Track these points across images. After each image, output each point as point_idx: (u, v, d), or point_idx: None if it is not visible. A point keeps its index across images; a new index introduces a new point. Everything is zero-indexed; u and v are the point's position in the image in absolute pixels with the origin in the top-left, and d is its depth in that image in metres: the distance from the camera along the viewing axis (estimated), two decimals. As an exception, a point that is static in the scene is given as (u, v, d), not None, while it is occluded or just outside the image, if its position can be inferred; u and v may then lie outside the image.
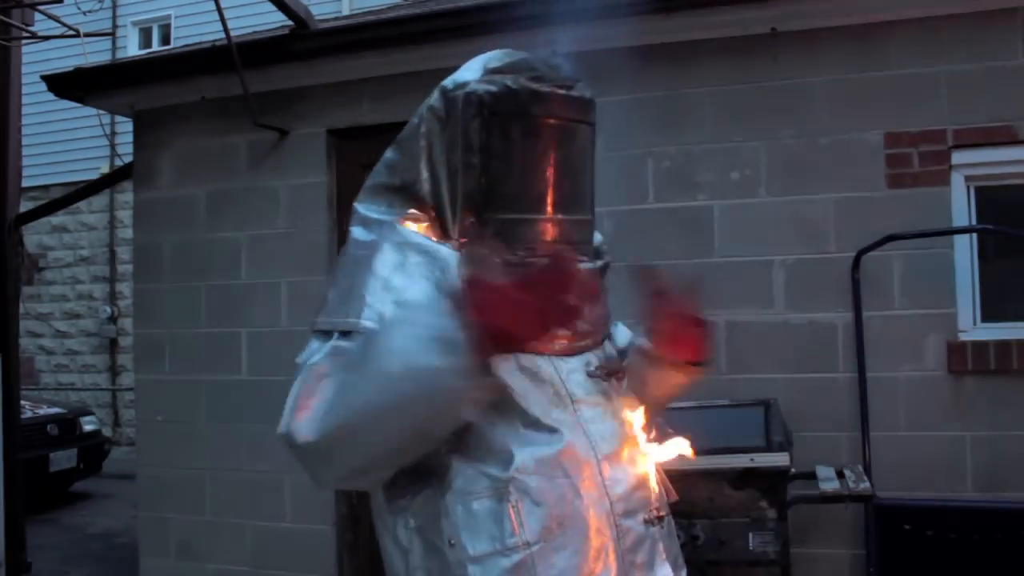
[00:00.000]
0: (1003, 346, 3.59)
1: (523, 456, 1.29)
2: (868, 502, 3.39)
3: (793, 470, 3.30)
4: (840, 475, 3.41)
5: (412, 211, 1.42)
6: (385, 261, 1.35)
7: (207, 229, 4.73)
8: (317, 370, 1.26)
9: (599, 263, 1.51)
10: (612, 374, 1.47)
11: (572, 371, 1.41)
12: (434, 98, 1.44)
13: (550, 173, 1.41)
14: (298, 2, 4.31)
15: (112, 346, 11.60)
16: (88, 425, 8.65)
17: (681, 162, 3.98)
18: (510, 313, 1.14)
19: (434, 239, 1.39)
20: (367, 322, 1.28)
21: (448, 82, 1.44)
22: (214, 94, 4.68)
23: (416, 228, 1.40)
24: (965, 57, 3.67)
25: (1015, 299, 3.75)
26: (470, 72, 1.43)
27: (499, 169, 1.38)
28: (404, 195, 1.43)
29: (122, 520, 7.29)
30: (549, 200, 1.41)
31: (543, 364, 1.37)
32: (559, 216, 1.42)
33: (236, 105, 4.45)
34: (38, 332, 11.71)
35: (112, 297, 11.60)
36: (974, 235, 3.73)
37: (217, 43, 4.63)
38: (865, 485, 3.30)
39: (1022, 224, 3.72)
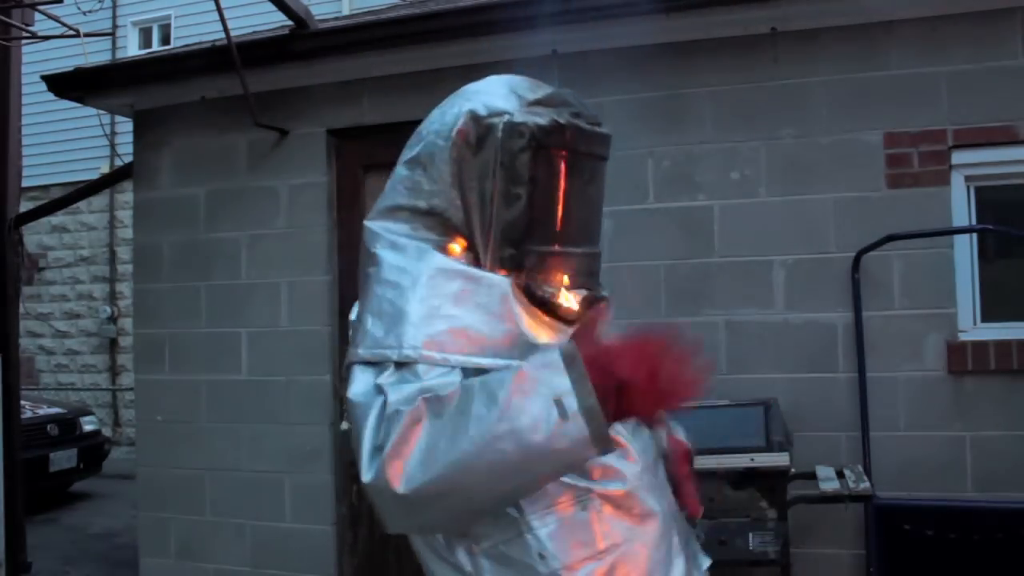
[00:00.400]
0: (1003, 346, 3.59)
1: (600, 462, 1.30)
2: (868, 502, 3.39)
3: (793, 470, 3.30)
4: (840, 475, 3.41)
5: (442, 238, 1.38)
6: (434, 287, 1.30)
7: (207, 229, 4.73)
8: (411, 414, 1.18)
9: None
10: None
11: None
12: (463, 122, 1.39)
13: (586, 208, 1.45)
14: (298, 2, 4.31)
15: (112, 346, 11.60)
16: (88, 425, 8.65)
17: (681, 162, 3.98)
18: (651, 379, 1.18)
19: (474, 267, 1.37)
20: (428, 352, 1.25)
21: (479, 107, 1.40)
22: (214, 94, 4.68)
23: (454, 256, 1.38)
24: (965, 57, 3.67)
25: (1015, 299, 3.75)
26: (501, 100, 1.40)
27: (544, 202, 1.37)
28: (432, 220, 1.38)
29: (122, 520, 7.29)
30: (585, 234, 1.45)
31: None
32: (591, 250, 1.46)
33: (236, 105, 4.45)
34: (38, 332, 11.71)
35: (112, 297, 11.60)
36: (974, 235, 3.73)
37: (217, 43, 4.63)
38: (865, 485, 3.30)
39: (1022, 224, 3.72)
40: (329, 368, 4.42)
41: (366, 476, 1.18)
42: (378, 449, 1.18)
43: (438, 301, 1.29)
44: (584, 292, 1.41)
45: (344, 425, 4.37)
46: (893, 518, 3.41)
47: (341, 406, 4.41)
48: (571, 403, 1.15)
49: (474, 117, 1.38)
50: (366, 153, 4.44)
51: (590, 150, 1.44)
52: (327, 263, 4.48)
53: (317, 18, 4.66)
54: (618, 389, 1.18)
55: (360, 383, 1.26)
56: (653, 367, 1.19)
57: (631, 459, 1.36)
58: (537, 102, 1.40)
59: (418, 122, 1.51)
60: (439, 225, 1.38)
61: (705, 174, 3.95)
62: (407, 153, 1.45)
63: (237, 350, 4.62)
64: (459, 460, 1.15)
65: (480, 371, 1.26)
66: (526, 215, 1.36)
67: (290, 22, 4.45)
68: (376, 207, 1.45)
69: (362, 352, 1.29)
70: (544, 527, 1.27)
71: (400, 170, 1.44)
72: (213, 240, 4.70)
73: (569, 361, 1.17)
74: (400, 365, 1.25)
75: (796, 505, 3.37)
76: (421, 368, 1.24)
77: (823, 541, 3.68)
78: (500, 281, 1.34)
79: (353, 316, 1.46)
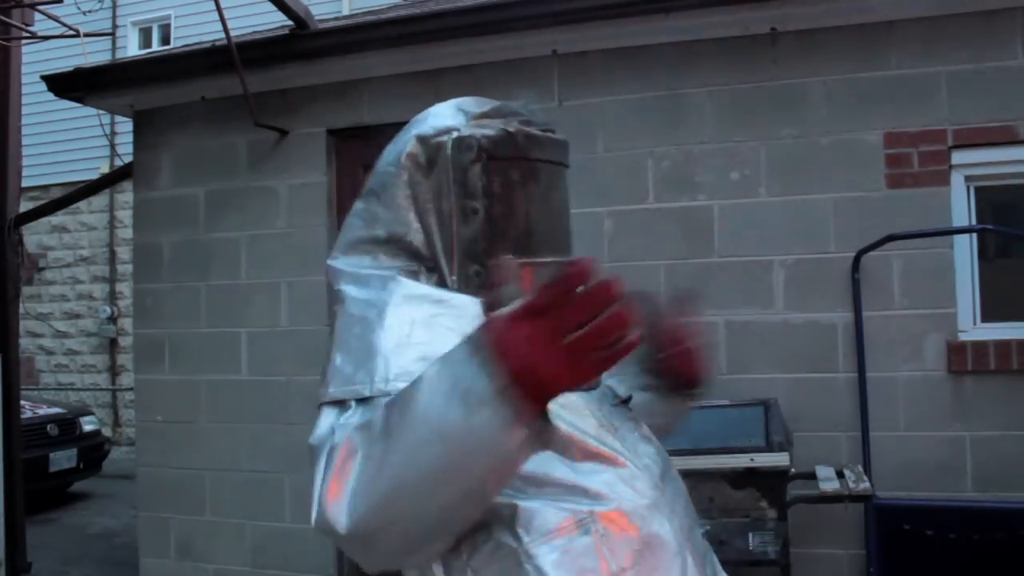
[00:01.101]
0: (1003, 346, 3.59)
1: (598, 485, 1.25)
2: (868, 502, 3.39)
3: (793, 470, 3.30)
4: (840, 475, 3.41)
5: (407, 264, 1.34)
6: (400, 316, 1.25)
7: (207, 229, 4.73)
8: (344, 448, 1.10)
9: None
10: (625, 402, 1.47)
11: (600, 399, 1.39)
12: (411, 145, 1.37)
13: (548, 215, 1.40)
14: (298, 2, 4.31)
15: (112, 346, 11.61)
16: (88, 425, 8.65)
17: (681, 162, 3.98)
18: (542, 348, 0.97)
19: (441, 289, 1.32)
20: (401, 385, 1.13)
21: (425, 128, 1.37)
22: (214, 94, 4.68)
23: (418, 281, 1.32)
24: (965, 57, 3.67)
25: (1015, 299, 3.75)
26: (447, 118, 1.38)
27: (502, 213, 1.34)
28: (393, 248, 1.35)
29: (122, 520, 7.29)
30: (553, 244, 1.40)
31: (575, 397, 1.32)
32: (560, 259, 1.39)
33: (236, 105, 4.45)
34: (38, 332, 11.71)
35: (112, 297, 11.61)
36: (974, 235, 3.73)
37: (217, 43, 4.63)
38: (865, 485, 3.30)
39: (1022, 224, 3.73)
40: (329, 368, 4.42)
41: (312, 519, 1.10)
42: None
43: (407, 329, 1.23)
44: None
45: None
46: (893, 518, 3.41)
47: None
48: (481, 389, 0.99)
49: (421, 139, 1.36)
50: (366, 153, 4.40)
51: (545, 156, 1.40)
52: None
53: (317, 18, 4.66)
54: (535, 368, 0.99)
55: (321, 426, 1.19)
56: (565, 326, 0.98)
57: (634, 478, 1.29)
58: (483, 115, 1.38)
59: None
60: (401, 251, 1.35)
61: (705, 174, 3.95)
62: (363, 189, 1.42)
63: (237, 350, 4.62)
64: (393, 479, 1.05)
65: None
66: (486, 229, 1.33)
67: (290, 22, 4.45)
68: (337, 244, 1.41)
69: (333, 391, 1.21)
70: (546, 555, 1.18)
71: (356, 205, 1.41)
72: (213, 240, 4.70)
73: (472, 347, 1.01)
74: (363, 400, 1.17)
75: (796, 505, 3.37)
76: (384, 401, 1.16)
77: (823, 541, 3.68)
78: (468, 302, 1.29)
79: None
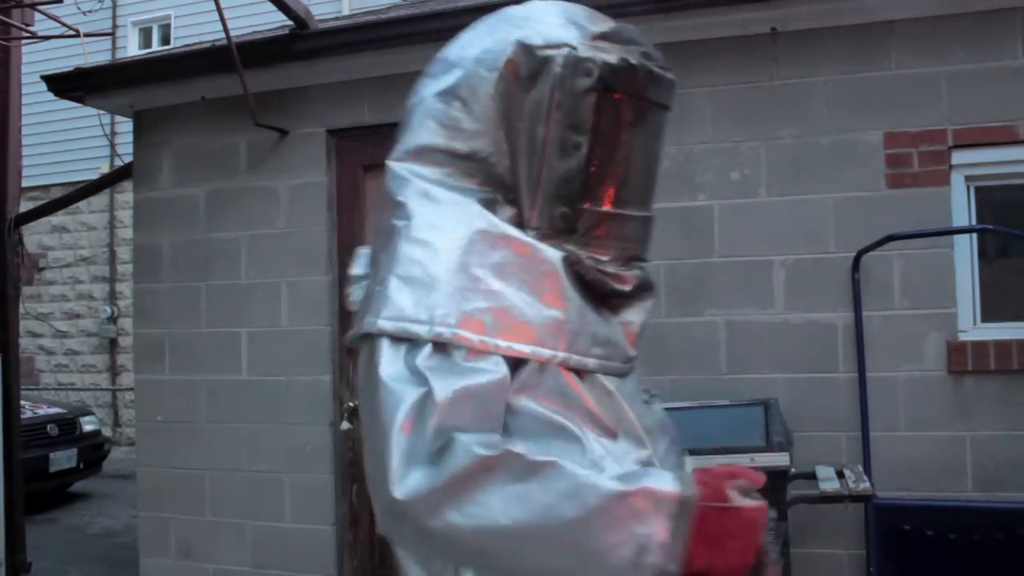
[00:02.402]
0: (1003, 346, 3.59)
1: (635, 465, 1.20)
2: (868, 502, 3.39)
3: (793, 470, 3.30)
4: (840, 475, 3.41)
5: (483, 189, 1.18)
6: (474, 254, 1.10)
7: (207, 229, 4.73)
8: (484, 460, 0.99)
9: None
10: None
11: (633, 393, 1.27)
12: (513, 52, 1.17)
13: (644, 166, 1.25)
14: (298, 2, 4.31)
15: (112, 346, 11.61)
16: (88, 425, 8.66)
17: (681, 162, 3.98)
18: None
19: (522, 232, 1.17)
20: (464, 332, 1.05)
21: (533, 36, 1.18)
22: (214, 94, 4.68)
23: (493, 212, 1.17)
24: (965, 57, 3.67)
25: (1015, 299, 3.75)
26: (558, 28, 1.19)
27: (606, 155, 1.18)
28: (472, 167, 1.17)
29: (122, 520, 7.30)
30: (644, 196, 1.26)
31: (631, 385, 1.25)
32: (647, 214, 1.27)
33: (236, 105, 4.45)
34: (38, 332, 11.71)
35: (112, 297, 11.61)
36: (974, 235, 3.73)
37: (217, 43, 4.63)
38: (865, 485, 3.30)
39: (1022, 224, 3.72)
40: (329, 368, 4.42)
41: (399, 491, 0.99)
42: (417, 463, 1.00)
43: (479, 271, 1.09)
44: (638, 272, 1.23)
45: (344, 425, 4.39)
46: (893, 518, 3.41)
47: (341, 405, 4.41)
48: (652, 558, 1.00)
49: (526, 48, 1.17)
50: (366, 153, 4.44)
51: (658, 99, 1.24)
52: (327, 263, 4.48)
53: (317, 18, 4.66)
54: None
55: (391, 362, 1.05)
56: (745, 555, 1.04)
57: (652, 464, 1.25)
58: (602, 36, 1.21)
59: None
60: (480, 172, 1.17)
61: (705, 174, 3.95)
62: (436, 83, 1.22)
63: (237, 350, 4.62)
64: (508, 531, 0.99)
65: (521, 361, 1.09)
66: (585, 169, 1.17)
67: (290, 22, 4.45)
68: (401, 145, 1.21)
69: (383, 323, 1.07)
70: None
71: (430, 102, 1.20)
72: (213, 240, 4.70)
73: (681, 510, 1.01)
74: (437, 346, 1.05)
75: (796, 505, 3.37)
76: (459, 355, 1.05)
77: (823, 541, 3.68)
78: (552, 256, 1.14)
79: (358, 269, 1.26)
